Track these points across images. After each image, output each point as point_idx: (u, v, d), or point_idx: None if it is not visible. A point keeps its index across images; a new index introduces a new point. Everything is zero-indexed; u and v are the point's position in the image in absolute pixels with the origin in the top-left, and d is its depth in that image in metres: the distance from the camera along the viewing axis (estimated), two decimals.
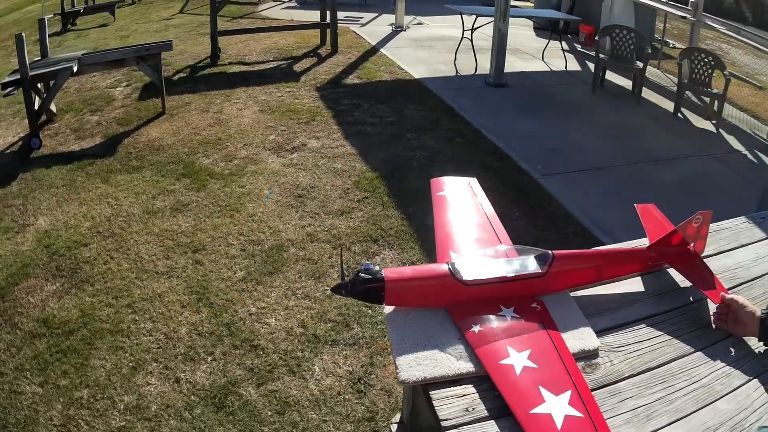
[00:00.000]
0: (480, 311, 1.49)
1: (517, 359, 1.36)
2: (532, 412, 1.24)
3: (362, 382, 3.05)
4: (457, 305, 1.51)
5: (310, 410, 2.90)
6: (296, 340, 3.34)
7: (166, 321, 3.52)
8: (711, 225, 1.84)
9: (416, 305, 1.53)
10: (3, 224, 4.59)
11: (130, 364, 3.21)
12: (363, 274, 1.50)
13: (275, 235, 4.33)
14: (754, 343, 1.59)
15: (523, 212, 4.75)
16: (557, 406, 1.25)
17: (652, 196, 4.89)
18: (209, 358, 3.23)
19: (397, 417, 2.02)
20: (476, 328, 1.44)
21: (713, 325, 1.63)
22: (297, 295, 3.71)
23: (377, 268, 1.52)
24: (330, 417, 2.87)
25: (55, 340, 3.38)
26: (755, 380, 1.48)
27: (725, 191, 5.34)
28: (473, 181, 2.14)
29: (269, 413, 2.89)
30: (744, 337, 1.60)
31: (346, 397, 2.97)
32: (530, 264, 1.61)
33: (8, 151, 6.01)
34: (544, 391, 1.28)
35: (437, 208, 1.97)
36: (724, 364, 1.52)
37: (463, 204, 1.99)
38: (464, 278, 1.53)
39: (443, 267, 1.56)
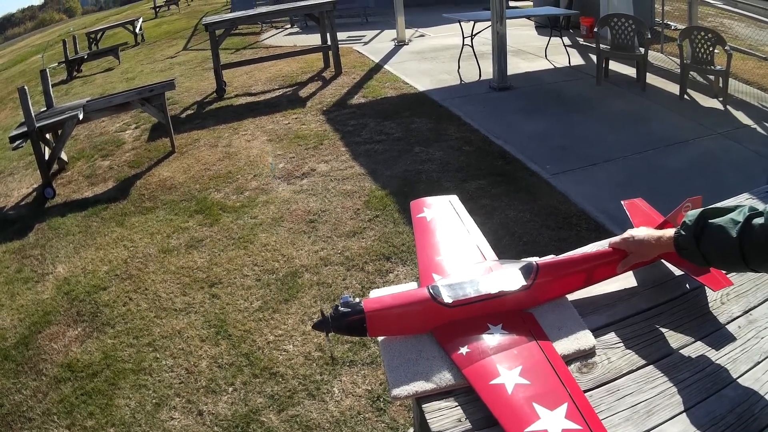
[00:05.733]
0: (466, 332, 1.45)
1: (508, 377, 1.32)
2: (527, 430, 1.19)
3: (381, 399, 3.03)
4: (443, 328, 1.48)
5: None
6: (314, 364, 3.34)
7: (187, 356, 3.55)
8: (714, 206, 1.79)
9: (400, 332, 1.49)
10: (23, 275, 4.69)
11: (154, 400, 3.25)
12: (342, 308, 1.47)
13: (289, 263, 4.35)
14: (763, 324, 1.55)
15: (534, 214, 4.72)
16: (553, 421, 1.21)
17: (663, 182, 4.95)
18: (230, 389, 3.25)
19: (411, 431, 2.01)
20: (464, 350, 1.40)
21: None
22: (313, 320, 3.68)
23: (357, 300, 1.50)
24: None
25: (79, 383, 3.45)
26: (764, 362, 1.43)
27: (737, 168, 5.28)
28: (454, 199, 2.09)
29: None
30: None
31: (366, 416, 2.96)
32: (514, 277, 1.57)
33: (23, 202, 6.15)
34: (538, 408, 1.24)
35: (418, 230, 1.94)
36: (729, 349, 1.47)
37: (444, 224, 1.95)
38: (446, 301, 1.49)
39: (424, 291, 1.52)
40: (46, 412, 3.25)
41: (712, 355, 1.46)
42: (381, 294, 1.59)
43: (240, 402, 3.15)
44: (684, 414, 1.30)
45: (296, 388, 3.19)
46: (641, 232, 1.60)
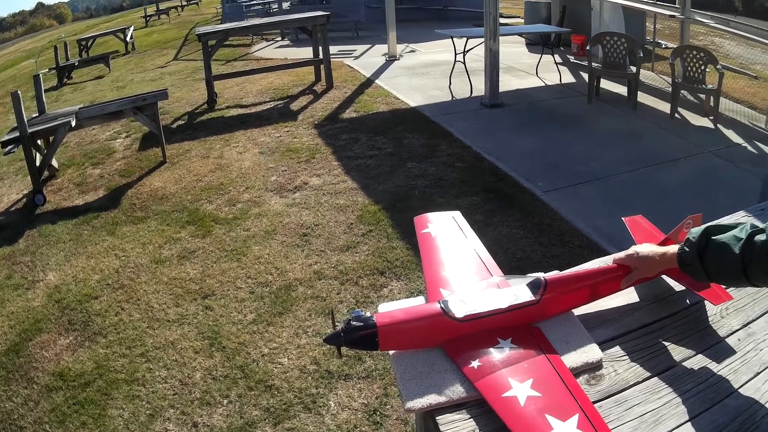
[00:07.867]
0: (477, 346, 1.47)
1: (520, 390, 1.34)
2: None
3: (377, 413, 3.04)
4: (453, 342, 1.49)
5: None
6: (310, 377, 3.34)
7: (181, 367, 3.53)
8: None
9: (411, 347, 1.51)
10: (13, 281, 4.65)
11: (147, 411, 3.22)
12: (354, 322, 1.48)
13: (283, 276, 4.35)
14: (762, 337, 1.59)
15: (527, 230, 4.75)
16: (566, 431, 1.24)
17: (655, 200, 5.01)
18: (225, 401, 3.24)
19: None
20: (475, 364, 1.42)
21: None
22: (308, 333, 3.71)
23: (368, 314, 1.51)
24: None
25: (71, 392, 3.42)
26: (764, 373, 1.47)
27: (728, 186, 5.36)
28: (457, 215, 2.11)
29: None
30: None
31: (363, 429, 2.96)
32: (523, 292, 1.59)
33: (13, 208, 6.12)
34: (551, 419, 1.26)
35: (423, 246, 1.95)
36: (730, 361, 1.51)
37: (449, 239, 1.96)
38: (457, 315, 1.51)
39: (435, 306, 1.54)
40: (38, 420, 3.23)
41: (714, 366, 1.49)
42: (390, 308, 1.60)
43: (235, 414, 3.14)
44: (689, 423, 1.33)
45: (292, 401, 3.18)
46: (645, 248, 1.64)
